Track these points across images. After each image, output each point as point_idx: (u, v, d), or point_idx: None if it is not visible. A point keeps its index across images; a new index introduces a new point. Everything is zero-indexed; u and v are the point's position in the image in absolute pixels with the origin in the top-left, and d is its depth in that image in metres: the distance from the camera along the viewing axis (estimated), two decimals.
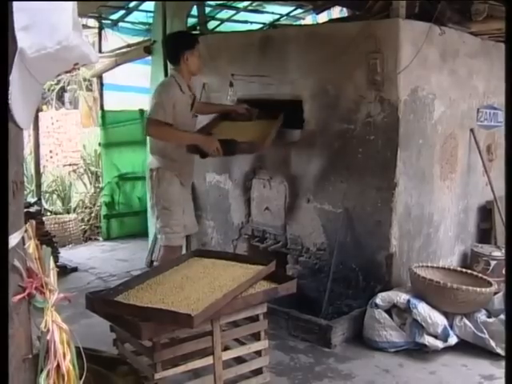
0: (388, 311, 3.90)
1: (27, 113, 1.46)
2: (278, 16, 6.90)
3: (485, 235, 5.15)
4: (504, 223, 4.73)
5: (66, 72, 1.43)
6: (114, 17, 6.47)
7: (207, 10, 6.07)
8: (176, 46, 4.00)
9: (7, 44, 1.36)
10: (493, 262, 4.58)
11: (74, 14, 1.39)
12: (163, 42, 4.25)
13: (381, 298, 3.91)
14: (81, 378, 1.60)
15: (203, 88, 5.21)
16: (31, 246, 1.50)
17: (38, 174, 6.63)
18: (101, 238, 6.99)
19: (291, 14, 6.95)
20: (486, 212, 5.14)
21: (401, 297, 3.86)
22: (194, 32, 5.57)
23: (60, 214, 7.19)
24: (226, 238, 5.28)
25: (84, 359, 1.64)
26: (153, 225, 5.70)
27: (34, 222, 1.54)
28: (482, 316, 3.83)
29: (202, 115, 4.46)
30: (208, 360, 2.95)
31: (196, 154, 4.04)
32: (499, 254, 4.65)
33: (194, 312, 2.61)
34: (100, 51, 6.72)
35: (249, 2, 6.46)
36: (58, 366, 1.50)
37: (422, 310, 3.77)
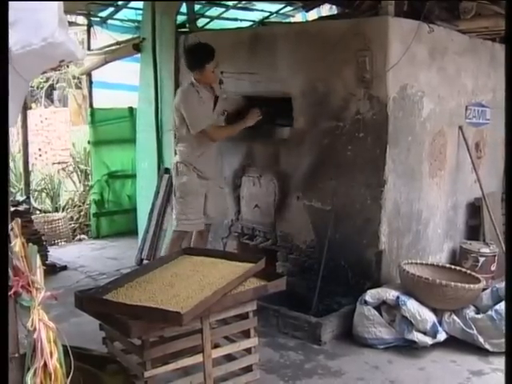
0: (377, 308, 3.91)
1: (13, 110, 1.45)
2: (267, 14, 6.89)
3: (473, 232, 5.18)
4: (492, 220, 4.77)
5: (52, 69, 1.42)
6: (103, 14, 6.43)
7: (196, 7, 6.05)
8: (198, 57, 4.30)
9: (7, 44, 1.34)
10: (481, 259, 4.62)
11: (60, 10, 1.38)
12: (185, 50, 4.51)
13: (370, 295, 3.92)
14: (68, 377, 1.59)
15: None
16: (17, 244, 1.49)
17: (27, 172, 6.57)
18: (87, 237, 6.95)
19: (281, 12, 6.94)
20: (474, 209, 5.17)
21: (390, 293, 3.88)
22: (181, 29, 5.57)
23: (49, 212, 7.14)
24: (215, 236, 5.27)
25: (72, 358, 1.63)
26: (143, 223, 5.70)
27: (19, 220, 1.52)
28: (470, 312, 3.86)
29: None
30: (198, 358, 2.95)
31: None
32: (488, 250, 4.68)
33: (184, 310, 2.60)
34: (89, 49, 6.68)
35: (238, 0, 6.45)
36: (45, 364, 1.49)
37: (411, 306, 3.78)
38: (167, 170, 5.51)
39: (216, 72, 4.39)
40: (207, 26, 6.52)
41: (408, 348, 3.82)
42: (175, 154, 4.51)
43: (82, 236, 6.95)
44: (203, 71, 4.27)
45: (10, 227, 1.49)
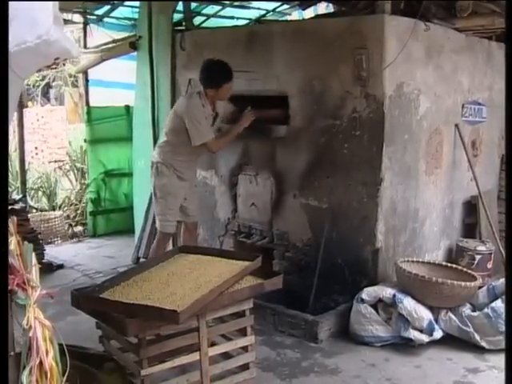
0: (374, 306, 3.92)
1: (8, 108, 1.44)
2: (264, 12, 6.87)
3: (469, 230, 5.19)
4: (488, 218, 4.78)
5: (48, 67, 1.42)
6: (99, 12, 6.41)
7: (193, 5, 6.04)
8: (218, 75, 4.24)
9: (7, 44, 1.34)
10: (477, 257, 4.62)
11: (55, 8, 1.37)
12: (205, 66, 4.32)
13: (367, 293, 3.93)
14: (64, 375, 1.59)
15: (189, 84, 5.20)
16: (13, 242, 1.49)
17: (23, 170, 6.56)
18: (83, 233, 6.94)
19: (277, 10, 6.92)
20: (470, 207, 5.18)
21: (386, 291, 3.88)
22: (180, 28, 5.55)
23: (45, 210, 7.12)
24: (212, 234, 5.27)
25: (68, 356, 1.63)
26: (140, 221, 5.69)
27: (15, 218, 1.52)
28: (466, 310, 3.86)
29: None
30: (194, 356, 2.95)
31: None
32: (484, 248, 4.69)
33: (180, 308, 2.60)
34: (85, 47, 6.67)
35: None
36: (41, 362, 1.49)
37: (408, 304, 3.79)
38: None
39: (230, 92, 4.37)
40: (204, 24, 6.50)
41: (404, 346, 3.82)
42: (157, 152, 4.42)
43: (79, 234, 6.92)
44: (219, 89, 4.25)
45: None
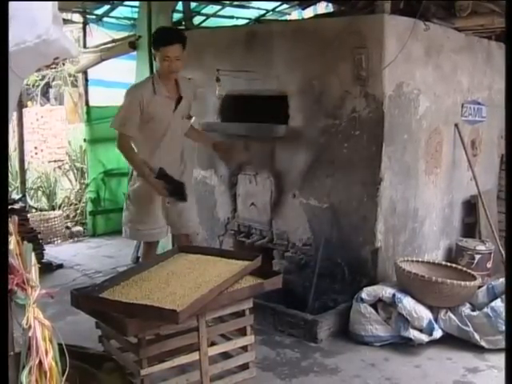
0: (374, 305, 3.92)
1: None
2: (263, 11, 6.87)
3: (469, 229, 5.19)
4: (488, 218, 4.78)
5: (47, 66, 1.42)
6: (99, 12, 6.41)
7: (193, 5, 6.04)
8: (156, 38, 3.78)
9: (7, 43, 1.34)
10: (477, 256, 4.63)
11: (54, 7, 1.37)
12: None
13: (366, 293, 3.93)
14: (64, 375, 1.59)
15: None
16: (12, 242, 1.48)
17: (23, 170, 6.56)
18: (82, 235, 6.94)
19: (277, 10, 6.93)
20: (470, 206, 5.18)
21: (386, 291, 3.88)
22: (179, 27, 5.54)
23: (45, 210, 7.12)
24: (211, 234, 5.27)
25: (67, 356, 1.63)
26: None
27: (15, 217, 1.52)
28: (466, 309, 3.87)
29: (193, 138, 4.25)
30: (194, 356, 2.95)
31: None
32: (483, 248, 4.69)
33: (180, 308, 2.60)
34: (85, 46, 6.67)
35: None
36: (41, 362, 1.49)
37: (408, 304, 3.79)
38: None
39: (176, 64, 3.68)
40: (203, 24, 6.50)
41: (404, 345, 3.82)
42: None
43: (76, 229, 6.91)
44: (157, 59, 3.72)
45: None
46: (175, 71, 3.74)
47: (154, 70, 3.87)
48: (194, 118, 4.15)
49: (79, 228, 6.99)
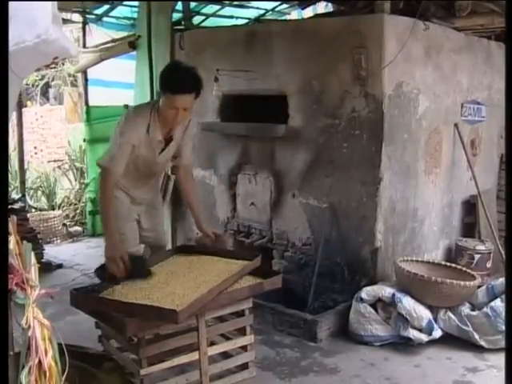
0: (373, 305, 3.92)
1: None
2: (263, 11, 6.87)
3: (469, 229, 5.19)
4: (487, 218, 4.78)
5: (46, 66, 1.42)
6: (99, 11, 6.41)
7: (192, 5, 6.04)
8: (160, 82, 3.14)
9: (7, 43, 1.33)
10: (477, 256, 4.63)
11: (54, 7, 1.37)
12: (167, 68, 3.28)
13: (366, 292, 3.93)
14: (63, 375, 1.59)
15: None
16: (12, 241, 1.48)
17: (22, 170, 6.57)
18: (81, 235, 6.94)
19: (276, 9, 6.92)
20: (470, 206, 5.18)
21: (386, 291, 3.88)
22: (179, 27, 5.54)
23: (45, 210, 7.12)
24: None
25: (67, 356, 1.63)
26: None
27: (14, 217, 1.52)
28: (466, 309, 3.87)
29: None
30: (194, 355, 2.95)
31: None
32: (483, 247, 4.69)
33: (179, 307, 2.60)
34: (84, 46, 6.67)
35: None
36: (40, 362, 1.49)
37: (407, 303, 3.79)
38: None
39: (184, 115, 3.13)
40: (203, 24, 6.51)
41: (404, 345, 3.83)
42: None
43: (74, 229, 6.90)
44: (161, 103, 3.12)
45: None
46: (180, 123, 3.21)
47: (157, 107, 3.16)
48: (191, 161, 3.62)
49: (77, 228, 6.96)
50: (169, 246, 5.10)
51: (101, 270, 3.11)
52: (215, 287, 2.85)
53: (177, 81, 3.03)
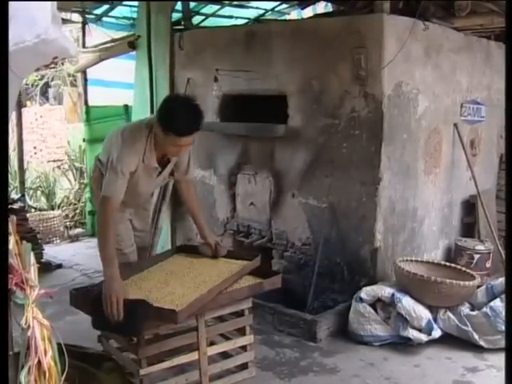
0: (373, 305, 3.92)
1: None
2: (262, 11, 6.87)
3: (468, 229, 5.19)
4: (487, 217, 4.78)
5: (46, 66, 1.42)
6: (98, 11, 6.41)
7: (192, 4, 6.04)
8: (163, 118, 2.93)
9: (7, 43, 1.33)
10: (476, 256, 4.63)
11: (53, 7, 1.37)
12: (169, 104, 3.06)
13: (365, 292, 3.93)
14: (63, 375, 1.59)
15: (188, 83, 5.20)
16: (11, 242, 1.48)
17: (22, 170, 6.57)
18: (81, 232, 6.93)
19: (276, 9, 6.93)
20: (469, 206, 5.18)
21: (385, 291, 3.88)
22: (178, 27, 5.54)
23: (44, 210, 7.12)
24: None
25: (66, 356, 1.63)
26: None
27: (14, 217, 1.52)
28: (465, 309, 3.87)
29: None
30: (193, 355, 2.95)
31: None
32: (482, 247, 4.70)
33: (179, 307, 2.60)
34: (84, 46, 6.66)
35: None
36: (40, 362, 1.49)
37: (407, 303, 3.79)
38: None
39: (185, 149, 3.08)
40: (202, 24, 6.51)
41: (403, 345, 3.83)
42: None
43: (77, 230, 6.90)
44: (158, 138, 2.99)
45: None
46: (180, 155, 3.16)
47: (153, 135, 3.01)
48: (192, 174, 3.49)
49: (78, 230, 6.95)
50: (168, 246, 5.14)
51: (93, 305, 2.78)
52: (215, 287, 2.85)
53: (182, 123, 2.87)
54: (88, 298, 2.85)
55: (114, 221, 2.99)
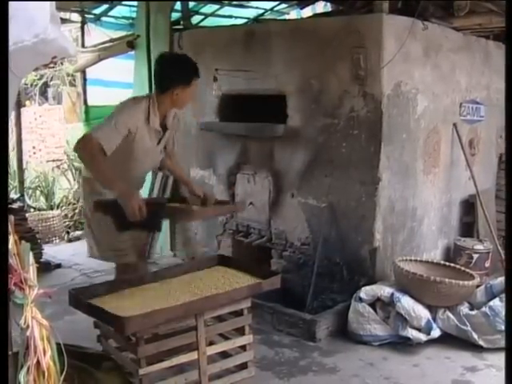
0: (372, 305, 3.92)
1: None
2: (262, 11, 6.88)
3: (467, 229, 5.19)
4: (486, 217, 4.79)
5: (45, 65, 1.42)
6: (97, 11, 6.41)
7: (191, 4, 6.04)
8: (169, 75, 3.26)
9: (7, 42, 1.33)
10: (475, 256, 4.63)
11: (52, 6, 1.37)
12: (157, 59, 3.45)
13: (365, 292, 3.93)
14: (62, 375, 1.58)
15: None
16: (10, 241, 1.48)
17: (21, 170, 6.57)
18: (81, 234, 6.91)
19: (275, 9, 6.94)
20: (468, 206, 5.18)
21: (385, 290, 3.88)
22: (175, 26, 5.53)
23: (43, 210, 7.12)
24: (210, 234, 5.27)
25: (66, 355, 1.63)
26: None
27: (12, 217, 1.52)
28: (464, 309, 3.87)
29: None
30: (192, 355, 2.94)
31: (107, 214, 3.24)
32: (482, 247, 4.70)
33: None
34: (83, 46, 6.67)
35: None
36: (39, 362, 1.49)
37: (406, 303, 3.79)
38: None
39: (194, 93, 3.42)
40: (202, 24, 6.51)
41: (403, 345, 3.83)
42: None
43: (78, 233, 6.89)
44: (173, 95, 3.27)
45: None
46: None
47: (154, 98, 3.30)
48: (175, 148, 3.76)
49: (78, 232, 6.93)
50: (167, 246, 5.14)
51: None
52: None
53: (194, 65, 3.30)
54: (109, 206, 3.12)
55: (102, 158, 3.04)
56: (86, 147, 3.08)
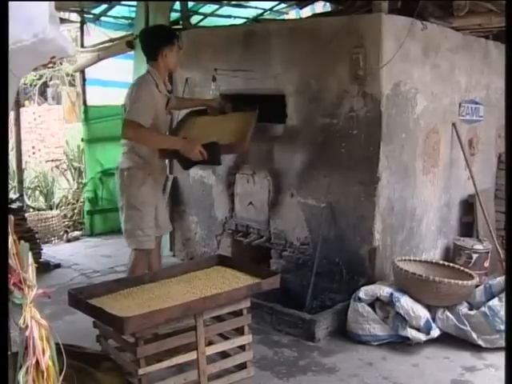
0: (371, 305, 3.92)
1: None
2: (261, 10, 6.87)
3: (467, 229, 5.19)
4: (485, 217, 4.79)
5: (44, 65, 1.42)
6: (97, 11, 6.41)
7: (190, 4, 6.04)
8: (154, 42, 3.76)
9: (7, 42, 1.33)
10: (475, 255, 4.63)
11: (51, 6, 1.37)
12: (139, 36, 4.06)
13: (364, 292, 3.93)
14: (61, 374, 1.58)
15: (186, 83, 5.20)
16: (9, 241, 1.48)
17: (20, 170, 6.56)
18: (81, 234, 6.92)
19: (275, 9, 6.93)
20: (467, 206, 5.18)
21: (384, 290, 3.88)
22: (174, 26, 5.53)
23: (43, 210, 7.11)
24: (209, 234, 5.27)
25: (65, 355, 1.63)
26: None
27: (11, 217, 1.52)
28: (463, 308, 3.87)
29: (179, 110, 4.60)
30: (192, 355, 2.95)
31: (175, 159, 4.05)
32: (481, 247, 4.70)
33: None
34: (82, 46, 6.66)
35: None
36: (38, 362, 1.49)
37: (405, 303, 3.79)
38: None
39: (180, 55, 3.93)
40: (201, 24, 6.51)
41: (402, 344, 3.83)
42: (125, 158, 3.85)
43: (76, 233, 6.90)
44: (163, 58, 3.72)
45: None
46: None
47: (152, 69, 3.75)
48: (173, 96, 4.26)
49: (77, 233, 6.93)
50: (167, 245, 5.14)
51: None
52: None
53: (171, 29, 4.25)
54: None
55: (146, 129, 3.54)
56: (129, 129, 3.56)
